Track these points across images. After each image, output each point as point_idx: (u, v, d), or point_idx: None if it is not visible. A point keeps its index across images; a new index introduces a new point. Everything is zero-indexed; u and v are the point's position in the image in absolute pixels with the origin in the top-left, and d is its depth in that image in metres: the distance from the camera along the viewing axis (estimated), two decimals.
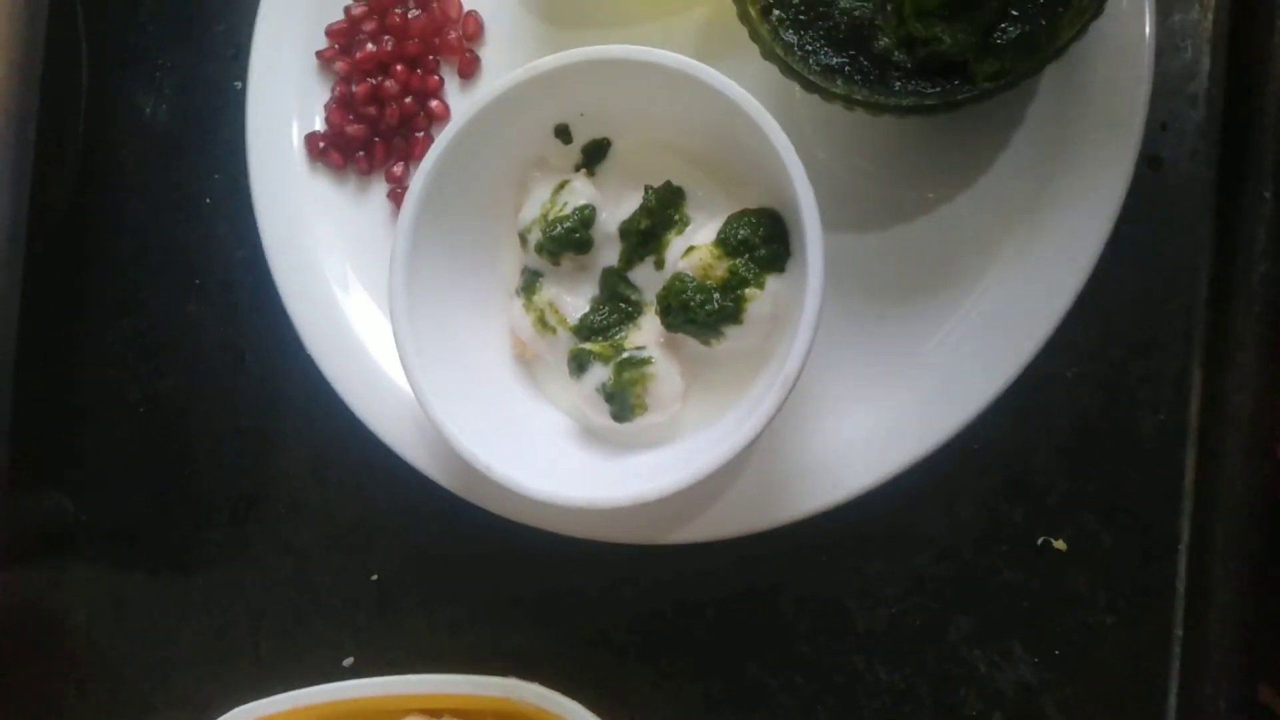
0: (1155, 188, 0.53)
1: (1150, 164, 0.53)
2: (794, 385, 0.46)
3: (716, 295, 0.49)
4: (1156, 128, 0.53)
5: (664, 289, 0.50)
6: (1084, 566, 0.54)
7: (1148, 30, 0.50)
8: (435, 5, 0.63)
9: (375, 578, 0.66)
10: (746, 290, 0.49)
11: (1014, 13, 0.46)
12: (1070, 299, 0.51)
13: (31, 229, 0.68)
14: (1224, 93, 0.53)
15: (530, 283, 0.55)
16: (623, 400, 0.52)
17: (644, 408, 0.52)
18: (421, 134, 0.63)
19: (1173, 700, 0.52)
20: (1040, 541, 0.55)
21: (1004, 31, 0.46)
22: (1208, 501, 0.52)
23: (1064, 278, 0.52)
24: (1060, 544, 0.54)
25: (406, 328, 0.53)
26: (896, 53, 0.47)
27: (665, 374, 0.51)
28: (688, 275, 0.49)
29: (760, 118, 0.47)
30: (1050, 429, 0.54)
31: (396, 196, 0.63)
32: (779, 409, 0.46)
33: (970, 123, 0.54)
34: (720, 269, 0.49)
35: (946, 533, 0.56)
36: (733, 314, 0.49)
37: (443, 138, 0.53)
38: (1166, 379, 0.53)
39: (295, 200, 0.64)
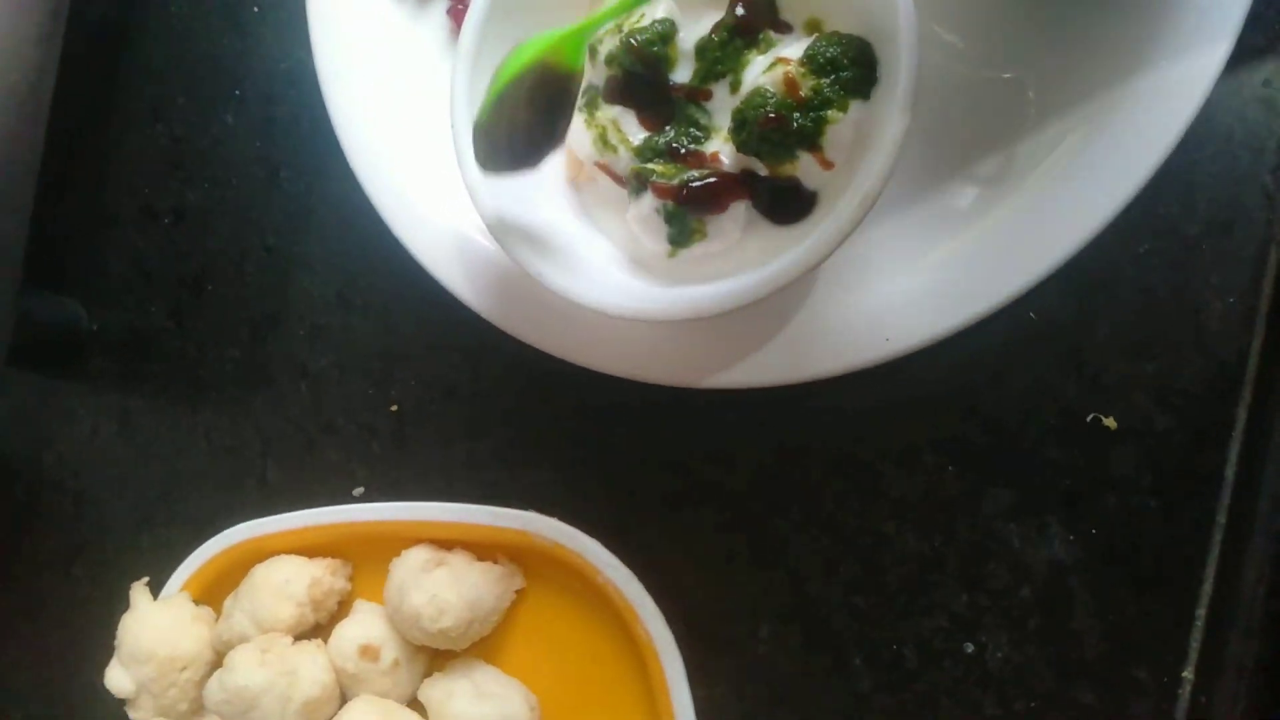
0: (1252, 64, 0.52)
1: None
2: (872, 205, 0.44)
3: (796, 115, 0.47)
4: (1261, 4, 0.50)
5: (742, 103, 0.47)
6: (1132, 447, 0.52)
7: None
8: None
9: (394, 409, 0.64)
10: (829, 112, 0.46)
11: None
12: (1147, 173, 0.49)
13: (71, 21, 0.65)
14: None
15: (594, 98, 0.52)
16: (682, 223, 0.49)
17: (703, 234, 0.50)
18: None
19: (1208, 588, 0.51)
20: (1090, 418, 0.53)
21: None
22: (1268, 389, 0.51)
23: (1143, 151, 0.49)
24: (1110, 422, 0.53)
25: (466, 129, 0.50)
26: None
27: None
28: (769, 90, 0.47)
29: None
30: (1114, 304, 0.53)
31: (457, 14, 0.60)
32: (856, 226, 0.44)
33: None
34: (804, 87, 0.46)
35: (994, 402, 0.54)
36: (811, 136, 0.46)
37: None
38: (1241, 261, 0.51)
39: (350, 11, 0.62)
